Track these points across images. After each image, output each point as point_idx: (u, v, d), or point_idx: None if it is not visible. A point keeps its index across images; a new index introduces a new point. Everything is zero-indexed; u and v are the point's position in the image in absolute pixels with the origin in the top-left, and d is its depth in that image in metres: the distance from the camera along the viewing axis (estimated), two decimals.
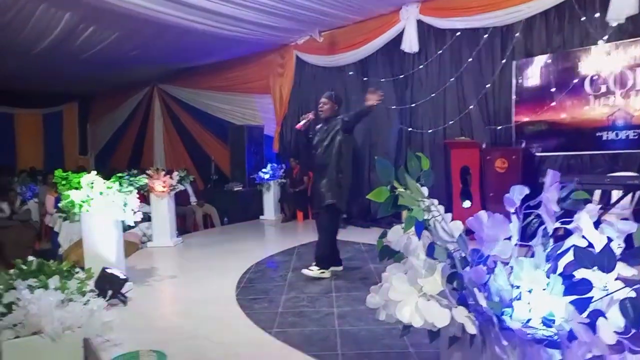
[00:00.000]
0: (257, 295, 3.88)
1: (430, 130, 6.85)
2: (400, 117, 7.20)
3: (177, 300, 4.10)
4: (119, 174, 4.11)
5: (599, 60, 5.30)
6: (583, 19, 5.40)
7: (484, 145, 5.98)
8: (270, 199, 8.22)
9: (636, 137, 5.08)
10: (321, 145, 4.35)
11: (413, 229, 1.28)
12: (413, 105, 7.04)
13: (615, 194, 4.82)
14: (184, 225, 7.65)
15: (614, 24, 5.14)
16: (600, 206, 1.27)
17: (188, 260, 5.50)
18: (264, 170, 8.15)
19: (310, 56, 8.27)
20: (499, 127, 6.17)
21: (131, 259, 5.26)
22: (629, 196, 4.69)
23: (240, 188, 8.80)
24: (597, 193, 5.04)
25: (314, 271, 4.27)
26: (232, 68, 9.63)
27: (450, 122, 6.62)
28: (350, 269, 4.64)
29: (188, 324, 3.28)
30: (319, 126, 4.48)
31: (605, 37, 5.26)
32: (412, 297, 1.15)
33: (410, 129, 7.10)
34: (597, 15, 5.28)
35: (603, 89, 5.29)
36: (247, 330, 3.11)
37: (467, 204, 5.86)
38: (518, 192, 1.23)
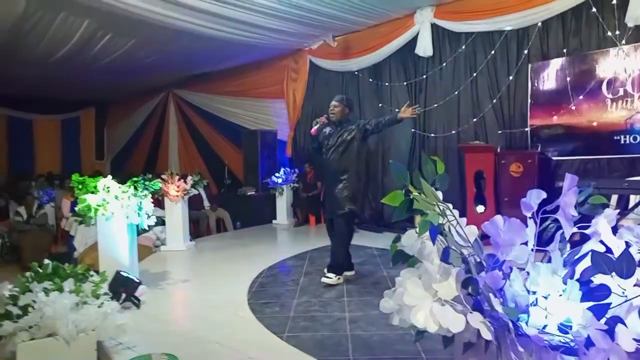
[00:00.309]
0: (269, 300, 3.88)
1: (444, 135, 6.81)
2: (414, 121, 7.16)
3: (189, 304, 4.12)
4: (134, 178, 4.14)
5: (617, 62, 5.22)
6: (600, 20, 5.32)
7: (498, 149, 5.92)
8: (283, 204, 8.24)
9: None
10: (336, 150, 4.29)
11: (427, 233, 1.26)
12: (427, 109, 7.00)
13: (633, 199, 4.72)
14: (197, 229, 7.70)
15: (632, 25, 5.06)
16: (617, 211, 1.24)
17: (201, 264, 5.52)
18: (277, 174, 8.17)
19: (324, 61, 8.28)
20: (514, 131, 6.10)
21: (144, 263, 5.30)
22: None
23: (253, 192, 8.82)
24: (614, 198, 4.94)
25: (332, 279, 4.22)
26: (245, 73, 9.70)
27: (465, 126, 6.57)
28: (363, 274, 4.62)
29: (200, 327, 3.29)
30: (328, 129, 4.41)
31: (624, 39, 5.17)
32: (426, 302, 1.14)
33: (423, 133, 7.06)
34: (615, 16, 5.20)
35: (621, 92, 5.21)
36: (258, 335, 3.10)
37: (480, 208, 5.79)
38: (535, 196, 1.21)
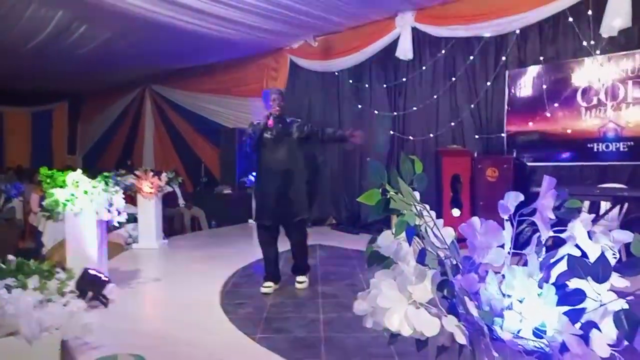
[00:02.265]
0: (242, 300, 3.81)
1: (423, 138, 6.85)
2: (393, 124, 7.20)
3: (159, 303, 4.02)
4: (106, 173, 4.02)
5: (591, 72, 5.33)
6: (576, 30, 5.43)
7: (475, 154, 5.97)
8: None
9: (626, 149, 5.10)
10: (282, 147, 4.01)
11: (403, 234, 1.23)
12: (406, 112, 7.03)
13: (604, 205, 4.83)
14: (171, 227, 7.56)
15: (607, 36, 5.18)
16: (593, 216, 1.24)
17: (173, 263, 5.41)
18: (254, 173, 8.07)
19: (305, 61, 8.24)
20: (491, 136, 6.18)
21: (115, 261, 5.17)
22: (617, 208, 4.71)
23: (230, 191, 8.73)
24: (587, 204, 5.04)
25: (306, 281, 4.21)
26: (225, 70, 9.58)
27: (443, 130, 6.62)
28: (338, 275, 4.59)
29: (170, 328, 3.21)
30: (262, 122, 4.03)
31: (598, 50, 5.28)
32: (401, 304, 1.11)
33: (402, 136, 7.09)
34: (591, 27, 5.31)
35: (594, 100, 5.32)
36: (230, 336, 3.04)
37: (456, 212, 5.84)
38: (513, 199, 1.20)
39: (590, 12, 5.29)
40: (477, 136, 6.28)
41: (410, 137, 6.98)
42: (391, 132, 7.19)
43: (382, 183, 1.19)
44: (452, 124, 6.51)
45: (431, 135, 6.74)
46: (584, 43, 5.38)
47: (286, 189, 4.02)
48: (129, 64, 9.57)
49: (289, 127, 4.07)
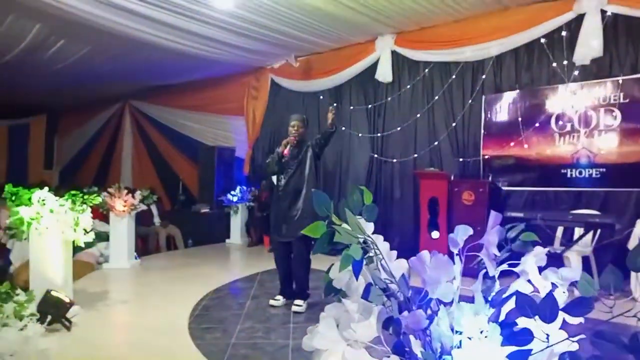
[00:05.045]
0: (211, 325, 3.71)
1: (401, 160, 6.86)
2: (372, 145, 7.21)
3: (124, 327, 3.89)
4: (72, 191, 3.92)
5: (565, 99, 5.42)
6: (551, 58, 5.53)
7: (452, 177, 5.99)
8: (237, 222, 8.07)
9: (598, 175, 5.16)
10: (297, 170, 4.25)
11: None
12: (385, 134, 7.06)
13: (578, 231, 4.86)
14: (146, 246, 7.41)
15: (580, 65, 5.28)
16: (547, 249, 1.21)
17: (144, 284, 5.27)
18: (232, 192, 8.01)
19: (285, 80, 8.26)
20: (468, 160, 6.21)
21: (83, 281, 5.03)
22: (590, 234, 4.73)
23: (208, 210, 8.62)
24: (560, 229, 5.07)
25: (303, 305, 4.12)
26: (206, 88, 9.53)
27: (421, 152, 6.64)
28: (313, 299, 4.50)
29: (132, 354, 3.09)
30: (285, 149, 4.32)
31: (572, 78, 5.39)
32: (339, 345, 1.06)
33: (381, 158, 7.09)
34: (564, 55, 5.42)
35: (568, 127, 5.40)
36: None
37: (435, 234, 5.82)
38: (462, 233, 1.17)
39: (564, 41, 5.40)
40: (454, 159, 6.30)
41: (390, 159, 6.99)
42: (370, 154, 7.20)
43: (328, 214, 1.15)
44: (430, 146, 6.54)
45: (410, 157, 6.75)
46: (558, 70, 5.48)
47: (293, 207, 4.20)
48: (109, 79, 9.47)
49: (305, 154, 4.29)
